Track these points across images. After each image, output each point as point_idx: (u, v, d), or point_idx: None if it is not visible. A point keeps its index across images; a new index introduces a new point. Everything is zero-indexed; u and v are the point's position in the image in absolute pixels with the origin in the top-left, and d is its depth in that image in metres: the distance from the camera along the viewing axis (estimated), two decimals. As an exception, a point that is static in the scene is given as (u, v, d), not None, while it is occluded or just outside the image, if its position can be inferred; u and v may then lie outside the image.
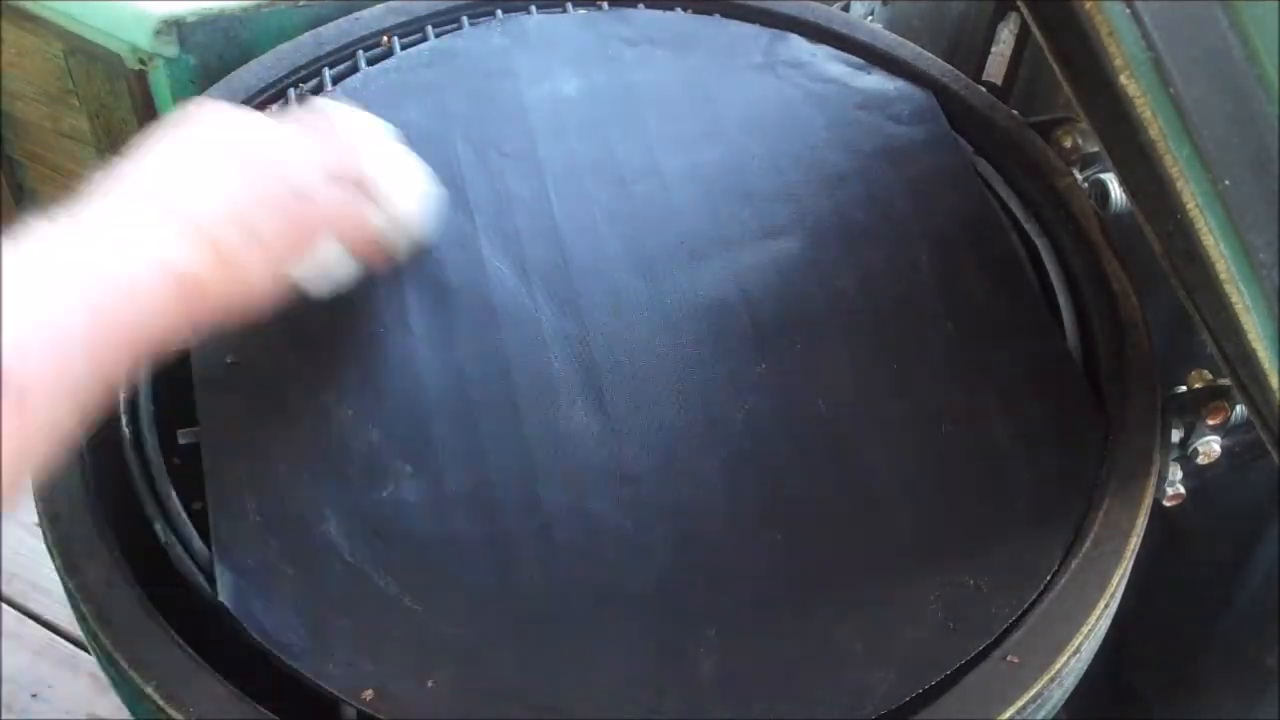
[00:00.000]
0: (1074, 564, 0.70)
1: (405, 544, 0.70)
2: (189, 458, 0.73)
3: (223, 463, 0.72)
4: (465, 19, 0.98)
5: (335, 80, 0.93)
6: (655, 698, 0.65)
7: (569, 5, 1.00)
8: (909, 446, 0.75)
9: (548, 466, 0.73)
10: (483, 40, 0.96)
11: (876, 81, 0.94)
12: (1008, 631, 0.67)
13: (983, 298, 0.82)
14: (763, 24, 0.99)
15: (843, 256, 0.84)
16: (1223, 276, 0.61)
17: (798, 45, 0.97)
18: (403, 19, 0.97)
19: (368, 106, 0.88)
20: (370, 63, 0.94)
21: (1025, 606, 0.68)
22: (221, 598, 0.67)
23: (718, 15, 1.00)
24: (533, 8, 0.99)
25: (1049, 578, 0.70)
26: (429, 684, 0.65)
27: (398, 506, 0.71)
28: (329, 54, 0.94)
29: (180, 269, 0.60)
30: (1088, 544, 0.71)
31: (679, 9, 1.01)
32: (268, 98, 0.91)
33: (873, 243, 0.85)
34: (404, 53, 0.95)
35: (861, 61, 0.96)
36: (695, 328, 0.80)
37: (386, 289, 0.80)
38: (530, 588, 0.69)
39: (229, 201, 0.64)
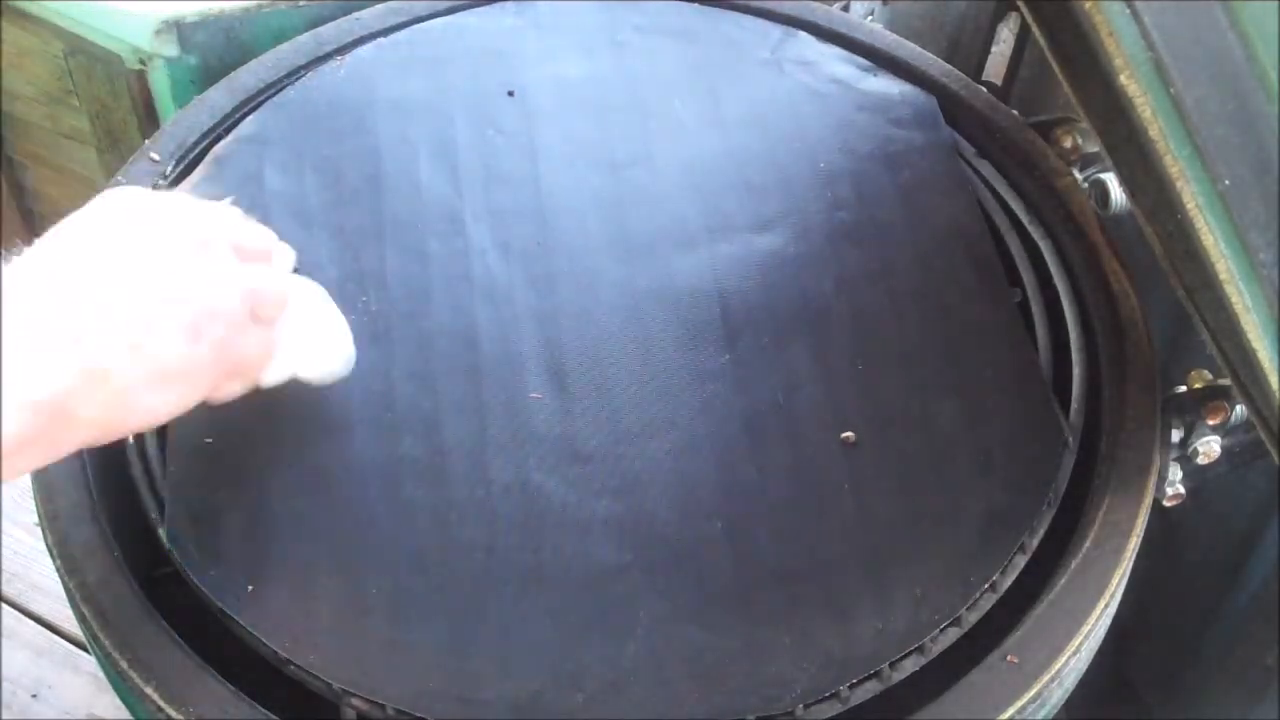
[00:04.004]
0: (1074, 564, 0.70)
1: (351, 503, 0.71)
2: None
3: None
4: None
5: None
6: (576, 678, 0.65)
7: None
8: (862, 447, 0.75)
9: (501, 439, 0.74)
10: (495, 19, 0.97)
11: (882, 84, 0.95)
12: (934, 640, 0.67)
13: (958, 305, 0.82)
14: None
15: (823, 256, 0.84)
16: (1223, 276, 0.61)
17: (807, 44, 0.97)
18: (403, 19, 0.97)
19: (376, 76, 0.91)
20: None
21: (952, 619, 0.68)
22: (165, 539, 0.68)
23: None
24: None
25: (985, 588, 0.69)
26: (356, 643, 0.66)
27: (349, 467, 0.72)
28: (329, 54, 0.94)
29: (45, 396, 0.52)
30: (1088, 544, 0.71)
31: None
32: (266, 98, 0.91)
33: (855, 244, 0.85)
34: (416, 26, 0.96)
35: (869, 64, 0.96)
36: (665, 315, 0.80)
37: (366, 253, 0.82)
38: (466, 558, 0.69)
39: (128, 319, 0.55)
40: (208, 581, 0.67)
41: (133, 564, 0.69)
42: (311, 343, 0.70)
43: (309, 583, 0.68)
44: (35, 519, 0.72)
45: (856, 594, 0.69)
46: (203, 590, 0.67)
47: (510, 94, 0.92)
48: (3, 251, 0.56)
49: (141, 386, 0.55)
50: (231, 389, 0.65)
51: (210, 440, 0.73)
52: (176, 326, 0.57)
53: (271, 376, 0.68)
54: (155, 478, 0.72)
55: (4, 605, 1.50)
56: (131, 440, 0.73)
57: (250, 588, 0.67)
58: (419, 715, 0.63)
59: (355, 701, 0.64)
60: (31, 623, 1.50)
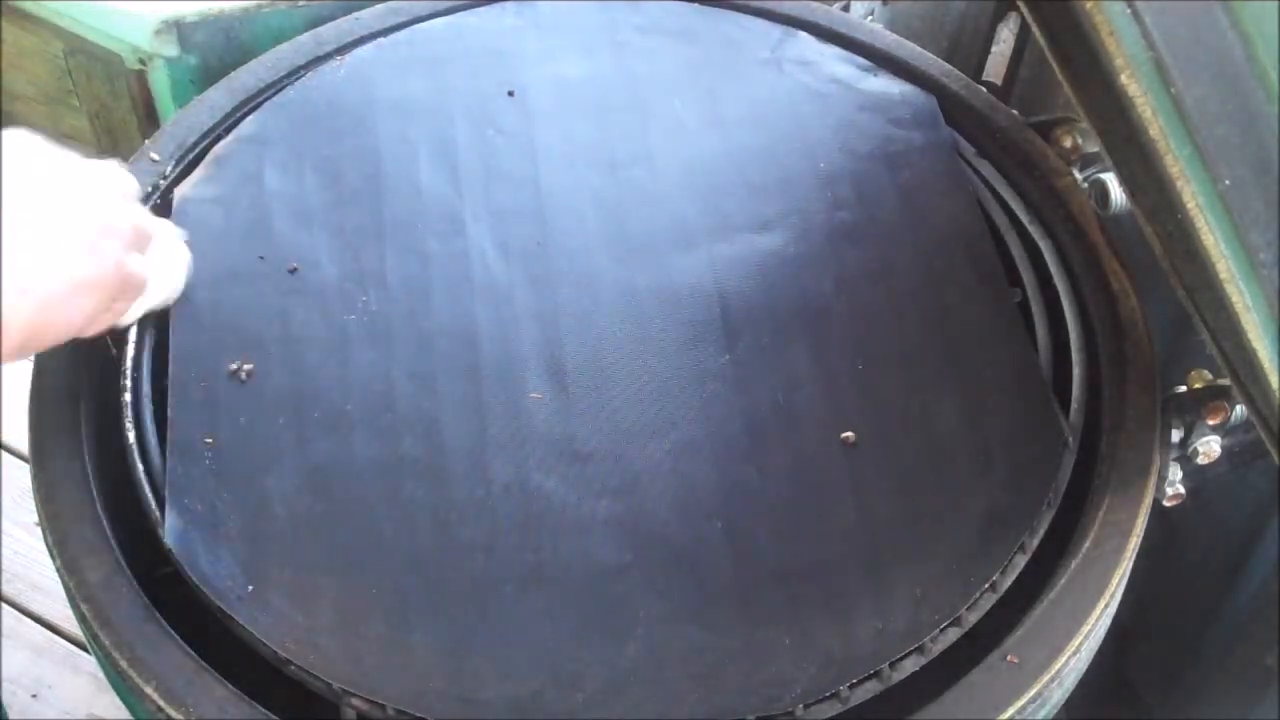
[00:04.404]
0: (1074, 564, 0.70)
1: (351, 504, 0.71)
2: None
3: (187, 409, 0.74)
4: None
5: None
6: (575, 678, 0.66)
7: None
8: (863, 446, 0.75)
9: (501, 438, 0.74)
10: (495, 20, 0.97)
11: (882, 84, 0.95)
12: (934, 640, 0.67)
13: (958, 305, 0.82)
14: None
15: (823, 256, 0.84)
16: (1223, 276, 0.61)
17: (807, 44, 0.97)
18: (403, 19, 0.97)
19: (376, 76, 0.91)
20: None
21: (952, 619, 0.67)
22: (167, 541, 0.68)
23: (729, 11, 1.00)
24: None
25: (984, 588, 0.69)
26: (356, 644, 0.66)
27: (349, 466, 0.72)
28: (329, 54, 0.94)
29: None
30: (1088, 544, 0.71)
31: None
32: (266, 98, 0.91)
33: (855, 244, 0.85)
34: (416, 26, 0.96)
35: (869, 64, 0.96)
36: (665, 315, 0.80)
37: (367, 253, 0.82)
38: (467, 558, 0.70)
39: (43, 239, 0.62)
40: (208, 581, 0.67)
41: (133, 564, 0.69)
42: (165, 277, 0.76)
43: (309, 583, 0.68)
44: (35, 519, 0.72)
45: (856, 594, 0.69)
46: (203, 590, 0.67)
47: (510, 94, 0.92)
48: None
49: (59, 297, 0.63)
50: (116, 311, 0.70)
51: (210, 440, 0.73)
52: (82, 242, 0.64)
53: (134, 312, 0.74)
54: (156, 477, 0.72)
55: (4, 605, 1.50)
56: (132, 440, 0.73)
57: (250, 588, 0.67)
58: (419, 715, 0.63)
59: (355, 701, 0.64)
60: (31, 623, 1.50)
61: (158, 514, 0.70)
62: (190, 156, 0.87)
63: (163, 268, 0.75)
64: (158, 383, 0.76)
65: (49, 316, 0.63)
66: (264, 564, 0.68)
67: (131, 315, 0.74)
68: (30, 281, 0.61)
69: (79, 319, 0.65)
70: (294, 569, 0.68)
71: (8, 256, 0.60)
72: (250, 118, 0.89)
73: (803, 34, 0.98)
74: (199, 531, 0.69)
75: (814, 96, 0.94)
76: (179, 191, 0.84)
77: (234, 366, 0.76)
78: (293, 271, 0.81)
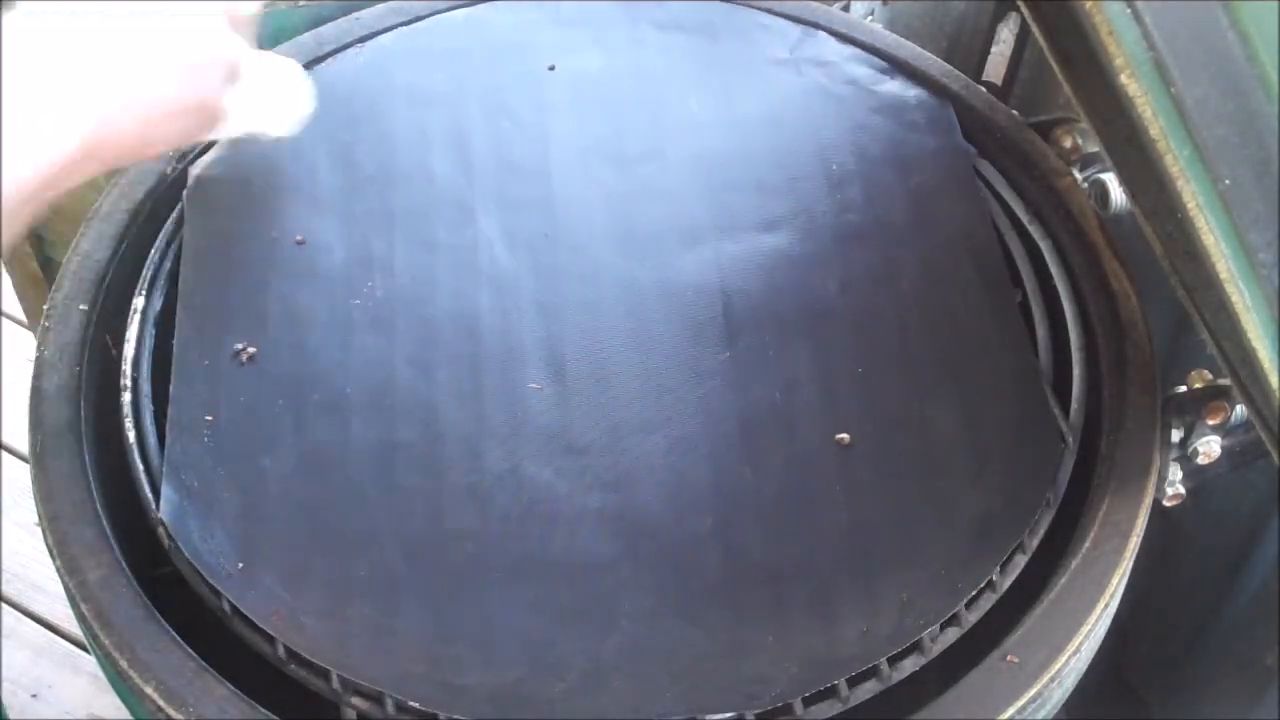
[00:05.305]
0: (1074, 564, 0.70)
1: (345, 487, 0.72)
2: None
3: (189, 387, 0.74)
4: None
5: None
6: (556, 668, 0.66)
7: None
8: (858, 449, 0.75)
9: (497, 427, 0.74)
10: (515, 12, 0.98)
11: (897, 88, 0.94)
12: (917, 644, 0.66)
13: (962, 312, 0.82)
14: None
15: (829, 257, 0.84)
16: (1223, 276, 0.61)
17: (825, 44, 0.97)
18: (403, 19, 0.97)
19: (394, 64, 0.92)
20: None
21: (943, 621, 0.67)
22: (162, 514, 0.69)
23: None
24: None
25: (972, 592, 0.68)
26: (341, 625, 0.66)
27: (345, 450, 0.73)
28: (329, 54, 0.94)
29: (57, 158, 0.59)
30: (1087, 544, 0.71)
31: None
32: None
33: (862, 247, 0.85)
34: (437, 17, 0.96)
35: (887, 66, 0.96)
36: (667, 310, 0.80)
37: (376, 239, 0.82)
38: (456, 545, 0.70)
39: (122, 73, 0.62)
40: (199, 556, 0.67)
41: (133, 564, 0.69)
42: (272, 103, 0.74)
43: (299, 563, 0.68)
44: (35, 519, 0.72)
45: (842, 596, 0.69)
46: (193, 565, 0.67)
47: (527, 86, 0.92)
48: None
49: (158, 118, 0.63)
50: (197, 139, 0.72)
51: (210, 418, 0.73)
52: (183, 68, 0.64)
53: (233, 130, 0.72)
54: (155, 477, 0.72)
55: (4, 605, 1.50)
56: (132, 440, 0.73)
57: (240, 565, 0.68)
58: (412, 704, 0.63)
59: (355, 700, 0.64)
60: (31, 623, 1.50)
61: (158, 514, 0.70)
62: (190, 156, 0.87)
63: (261, 98, 0.73)
64: (158, 383, 0.76)
65: (145, 138, 0.63)
66: (256, 542, 0.69)
67: (232, 134, 0.74)
68: (133, 98, 0.61)
69: (175, 138, 0.67)
70: (285, 549, 0.69)
71: (120, 74, 0.60)
72: None
73: (822, 34, 0.97)
74: (193, 507, 0.69)
75: (829, 98, 0.93)
76: (193, 171, 0.85)
77: (238, 347, 0.76)
78: (299, 243, 0.81)
